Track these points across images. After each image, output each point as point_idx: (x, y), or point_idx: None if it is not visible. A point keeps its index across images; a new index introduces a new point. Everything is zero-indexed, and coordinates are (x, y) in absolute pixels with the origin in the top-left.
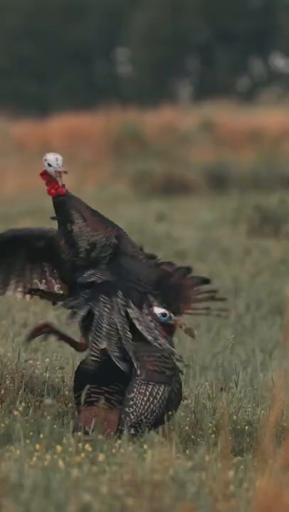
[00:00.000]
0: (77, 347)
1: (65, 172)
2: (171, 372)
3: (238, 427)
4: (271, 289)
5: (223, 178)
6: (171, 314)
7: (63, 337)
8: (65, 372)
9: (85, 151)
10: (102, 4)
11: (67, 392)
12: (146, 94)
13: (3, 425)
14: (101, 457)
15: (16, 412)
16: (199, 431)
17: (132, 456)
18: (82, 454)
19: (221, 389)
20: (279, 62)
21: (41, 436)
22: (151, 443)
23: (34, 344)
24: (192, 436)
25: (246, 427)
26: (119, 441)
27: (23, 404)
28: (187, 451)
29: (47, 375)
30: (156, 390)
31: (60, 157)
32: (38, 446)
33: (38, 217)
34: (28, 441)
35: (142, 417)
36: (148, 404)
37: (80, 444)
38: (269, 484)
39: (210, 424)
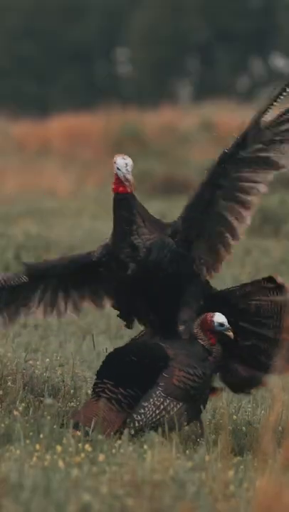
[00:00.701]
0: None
1: (130, 181)
2: (195, 392)
3: (238, 427)
4: None
5: None
6: (228, 326)
7: None
8: (65, 372)
9: (85, 151)
10: (102, 4)
11: (67, 393)
12: (146, 94)
13: (3, 425)
14: (101, 457)
15: (15, 412)
16: (199, 431)
17: (132, 456)
18: (82, 454)
19: (221, 389)
20: (279, 62)
21: (41, 436)
22: (151, 443)
23: (34, 344)
24: (192, 436)
25: (246, 427)
26: (119, 442)
27: (23, 404)
28: (187, 451)
29: (47, 375)
30: (171, 406)
31: (130, 162)
32: (38, 446)
33: (38, 217)
34: (28, 441)
35: (148, 427)
36: (158, 417)
37: (80, 444)
38: (269, 484)
39: (210, 426)
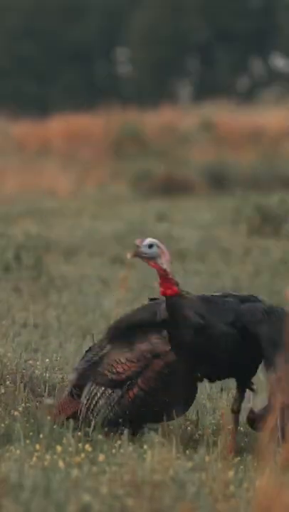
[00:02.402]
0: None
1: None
2: (117, 377)
3: (238, 427)
4: (271, 289)
5: (223, 178)
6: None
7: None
8: (64, 372)
9: (85, 151)
10: (102, 4)
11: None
12: (147, 94)
13: (3, 425)
14: (101, 457)
15: (15, 412)
16: (199, 431)
17: (132, 457)
18: (82, 454)
19: (221, 389)
20: (279, 62)
21: (41, 436)
22: (151, 443)
23: (34, 344)
24: (192, 437)
25: (246, 427)
26: (119, 442)
27: (23, 404)
28: (187, 451)
29: (47, 375)
30: (99, 392)
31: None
32: (38, 446)
33: (38, 217)
34: (28, 441)
35: (89, 414)
36: (92, 404)
37: (80, 444)
38: (269, 484)
39: (210, 424)
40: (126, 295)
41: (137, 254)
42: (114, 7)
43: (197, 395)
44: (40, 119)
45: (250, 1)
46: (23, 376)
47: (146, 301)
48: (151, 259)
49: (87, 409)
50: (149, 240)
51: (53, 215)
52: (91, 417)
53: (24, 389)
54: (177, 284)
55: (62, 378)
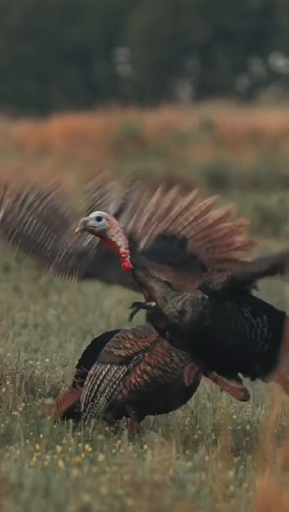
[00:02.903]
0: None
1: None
2: (125, 352)
3: (238, 427)
4: (271, 289)
5: (223, 178)
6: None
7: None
8: (65, 372)
9: (85, 151)
10: (102, 4)
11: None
12: (147, 94)
13: (3, 425)
14: (101, 457)
15: (15, 412)
16: (199, 431)
17: (132, 456)
18: (82, 454)
19: (221, 389)
20: (279, 62)
21: (41, 436)
22: (151, 443)
23: (34, 344)
24: (192, 437)
25: (246, 427)
26: (119, 442)
27: (23, 404)
28: (187, 451)
29: (47, 375)
30: (104, 370)
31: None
32: (38, 446)
33: None
34: (28, 441)
35: (91, 397)
36: (96, 384)
37: (80, 444)
38: (269, 484)
39: (210, 426)
40: (126, 295)
41: (86, 228)
42: (114, 7)
43: (197, 395)
44: (40, 119)
45: (250, 1)
46: (23, 376)
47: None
48: (101, 232)
49: (90, 390)
50: (98, 213)
51: None
52: (94, 401)
53: (24, 389)
54: (134, 255)
55: (62, 378)
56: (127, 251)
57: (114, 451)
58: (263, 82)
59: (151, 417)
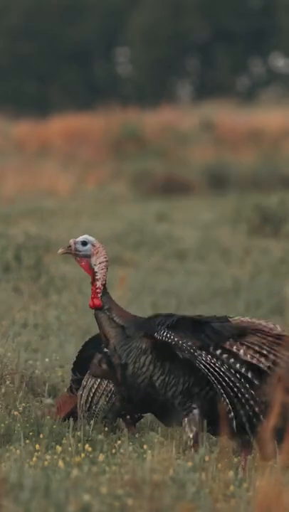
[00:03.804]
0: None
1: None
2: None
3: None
4: (271, 289)
5: (223, 178)
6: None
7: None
8: (64, 372)
9: (85, 151)
10: (102, 4)
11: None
12: (147, 94)
13: (3, 425)
14: (101, 457)
15: (15, 412)
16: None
17: (132, 456)
18: (82, 454)
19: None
20: (279, 62)
21: (41, 436)
22: (151, 443)
23: (34, 344)
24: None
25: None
26: (119, 442)
27: (23, 404)
28: (187, 451)
29: (47, 375)
30: (96, 384)
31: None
32: (37, 446)
33: (38, 217)
34: (28, 441)
35: (87, 407)
36: (89, 397)
37: (80, 444)
38: (269, 484)
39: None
40: (126, 295)
41: (69, 251)
42: (114, 7)
43: None
44: (40, 119)
45: (250, 1)
46: (23, 376)
47: (146, 301)
48: (83, 257)
49: (85, 401)
50: (84, 237)
51: (53, 215)
52: (89, 410)
53: (24, 389)
54: (105, 294)
55: (62, 378)
56: (102, 288)
57: (114, 451)
58: (263, 82)
59: (152, 417)
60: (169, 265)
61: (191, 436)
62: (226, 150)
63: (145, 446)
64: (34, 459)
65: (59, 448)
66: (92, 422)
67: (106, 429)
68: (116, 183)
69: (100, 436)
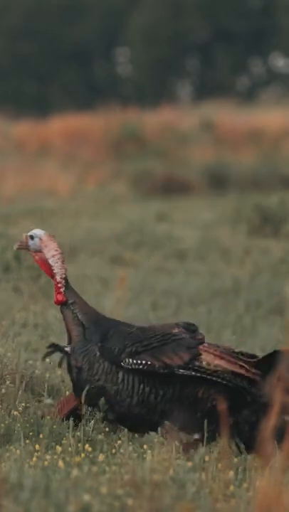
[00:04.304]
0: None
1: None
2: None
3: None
4: (271, 289)
5: (223, 178)
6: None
7: None
8: (64, 372)
9: (85, 151)
10: (102, 4)
11: (67, 392)
12: (147, 94)
13: (3, 425)
14: (101, 457)
15: (15, 412)
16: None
17: (132, 456)
18: (82, 454)
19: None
20: (279, 62)
21: (41, 436)
22: (152, 443)
23: (34, 344)
24: (192, 436)
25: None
26: (119, 442)
27: (23, 404)
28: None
29: (47, 375)
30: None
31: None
32: (37, 446)
33: (38, 217)
34: (28, 441)
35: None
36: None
37: (80, 444)
38: (269, 484)
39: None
40: (126, 295)
41: (20, 246)
42: (114, 7)
43: None
44: (40, 119)
45: (250, 1)
46: (23, 376)
47: (146, 301)
48: (36, 252)
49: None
50: (32, 231)
51: (53, 215)
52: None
53: (24, 389)
54: (68, 288)
55: (62, 378)
56: (63, 281)
57: (114, 451)
58: (263, 82)
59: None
60: (169, 265)
61: (178, 443)
62: (226, 150)
63: (145, 446)
64: (34, 459)
65: (59, 448)
66: (92, 422)
67: (106, 429)
68: (116, 183)
69: (100, 436)
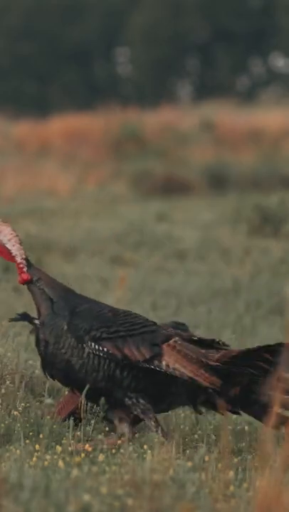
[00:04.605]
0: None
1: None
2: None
3: (238, 427)
4: (271, 289)
5: (223, 178)
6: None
7: None
8: None
9: (85, 151)
10: (102, 4)
11: (66, 392)
12: (147, 94)
13: (3, 425)
14: (101, 457)
15: (15, 412)
16: (199, 431)
17: (132, 456)
18: (82, 454)
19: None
20: (279, 62)
21: (41, 436)
22: (152, 443)
23: (34, 344)
24: (192, 436)
25: (246, 427)
26: (119, 442)
27: (23, 404)
28: (187, 451)
29: None
30: None
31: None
32: (37, 446)
33: (38, 217)
34: (28, 441)
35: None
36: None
37: (80, 444)
38: (269, 484)
39: (210, 426)
40: (126, 295)
41: None
42: (114, 7)
43: None
44: (40, 119)
45: (250, 1)
46: (23, 376)
47: (146, 301)
48: None
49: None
50: None
51: (53, 215)
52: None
53: (24, 389)
54: (31, 266)
55: None
56: (24, 261)
57: (114, 451)
58: (263, 82)
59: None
60: (169, 265)
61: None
62: (226, 150)
63: (145, 446)
64: (34, 459)
65: (59, 448)
66: (92, 422)
67: (106, 429)
68: (116, 183)
69: (100, 437)
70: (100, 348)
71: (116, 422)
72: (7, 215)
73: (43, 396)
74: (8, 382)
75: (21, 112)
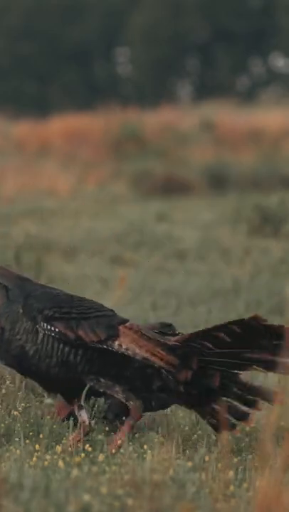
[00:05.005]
0: None
1: None
2: None
3: (238, 427)
4: (271, 289)
5: (223, 178)
6: None
7: None
8: None
9: (85, 151)
10: (102, 4)
11: None
12: (147, 94)
13: (3, 425)
14: (101, 457)
15: (16, 412)
16: (199, 431)
17: (132, 456)
18: (82, 454)
19: None
20: (279, 62)
21: (41, 436)
22: (152, 443)
23: None
24: (192, 436)
25: (246, 427)
26: (119, 442)
27: (23, 404)
28: (187, 451)
29: None
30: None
31: None
32: (37, 446)
33: (38, 217)
34: (28, 441)
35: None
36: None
37: (80, 444)
38: (269, 484)
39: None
40: (126, 295)
41: None
42: (114, 7)
43: None
44: (40, 119)
45: (250, 1)
46: (23, 376)
47: (146, 301)
48: None
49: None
50: None
51: (53, 215)
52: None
53: (24, 389)
54: None
55: None
56: None
57: (114, 451)
58: (263, 82)
59: (152, 418)
60: (169, 265)
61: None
62: (226, 150)
63: (145, 446)
64: (34, 459)
65: (59, 448)
66: (92, 422)
67: (106, 428)
68: (116, 183)
69: (100, 436)
70: (52, 329)
71: (76, 410)
72: (7, 215)
73: (43, 396)
74: (8, 382)
75: (21, 112)
